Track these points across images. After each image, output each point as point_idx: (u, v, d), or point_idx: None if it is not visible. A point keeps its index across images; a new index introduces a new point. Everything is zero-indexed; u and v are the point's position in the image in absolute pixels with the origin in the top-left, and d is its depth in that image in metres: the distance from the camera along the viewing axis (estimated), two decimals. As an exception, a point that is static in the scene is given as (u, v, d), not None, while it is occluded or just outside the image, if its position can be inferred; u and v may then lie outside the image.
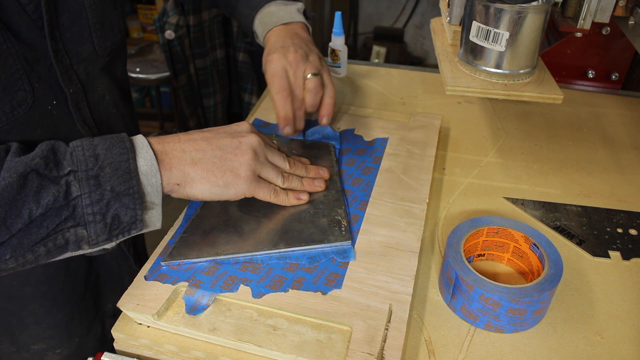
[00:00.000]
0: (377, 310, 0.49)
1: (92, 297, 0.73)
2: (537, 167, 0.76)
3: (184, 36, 1.94)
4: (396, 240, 0.57)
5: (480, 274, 0.51)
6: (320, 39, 2.80)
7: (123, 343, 0.51)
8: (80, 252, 0.48)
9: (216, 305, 0.51)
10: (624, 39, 0.91)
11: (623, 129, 0.85)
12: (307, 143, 0.72)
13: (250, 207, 0.60)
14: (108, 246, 0.49)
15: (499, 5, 0.59)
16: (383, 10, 2.80)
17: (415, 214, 0.61)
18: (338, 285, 0.52)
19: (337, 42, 0.93)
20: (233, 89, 2.24)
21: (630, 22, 0.65)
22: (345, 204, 0.62)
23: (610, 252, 0.61)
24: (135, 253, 0.79)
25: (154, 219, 0.50)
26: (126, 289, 0.51)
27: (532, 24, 0.59)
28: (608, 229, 0.64)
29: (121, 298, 0.50)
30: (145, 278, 0.53)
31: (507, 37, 0.60)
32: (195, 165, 0.52)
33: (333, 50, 0.94)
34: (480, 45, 0.63)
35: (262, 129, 0.76)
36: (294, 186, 0.60)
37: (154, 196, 0.49)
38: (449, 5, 0.72)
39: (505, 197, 0.70)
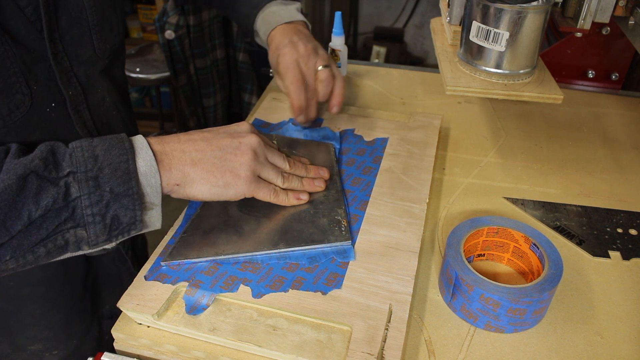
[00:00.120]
0: (377, 310, 0.49)
1: (90, 299, 0.73)
2: (537, 167, 0.76)
3: (184, 36, 1.94)
4: (396, 240, 0.57)
5: (480, 274, 0.51)
6: (320, 39, 2.80)
7: (123, 343, 0.51)
8: (80, 252, 0.48)
9: (216, 305, 0.51)
10: (624, 39, 0.91)
11: (623, 129, 0.85)
12: (307, 143, 0.72)
13: (250, 207, 0.60)
14: (108, 246, 0.49)
15: (499, 5, 0.59)
16: (383, 10, 2.80)
17: (415, 214, 0.61)
18: (338, 285, 0.52)
19: (337, 42, 0.93)
20: (233, 89, 2.24)
21: (630, 22, 0.65)
22: (345, 204, 0.62)
23: (610, 252, 0.61)
24: (134, 255, 0.79)
25: (153, 219, 0.50)
26: (124, 290, 0.51)
27: (532, 24, 0.59)
28: (608, 229, 0.64)
29: (121, 298, 0.50)
30: (145, 278, 0.53)
31: (507, 37, 0.60)
32: (195, 165, 0.52)
33: (333, 50, 0.94)
34: (480, 45, 0.63)
35: (262, 129, 0.76)
36: (294, 186, 0.60)
37: (153, 197, 0.49)
38: (449, 5, 0.72)
39: (505, 197, 0.70)
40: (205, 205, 0.62)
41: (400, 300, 0.51)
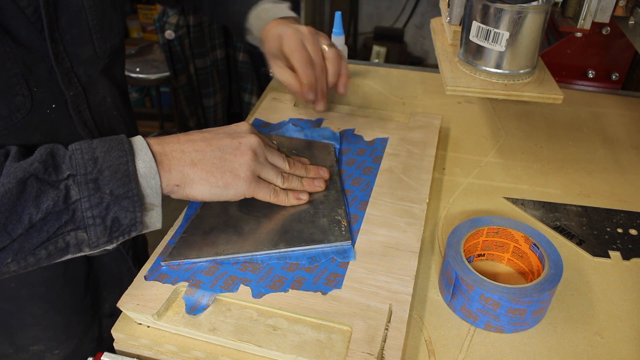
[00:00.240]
0: (377, 310, 0.49)
1: (91, 299, 0.73)
2: (537, 167, 0.76)
3: (184, 36, 1.94)
4: (396, 240, 0.57)
5: (480, 274, 0.51)
6: (320, 39, 2.80)
7: (123, 343, 0.51)
8: (81, 254, 0.48)
9: (216, 305, 0.51)
10: (624, 39, 0.91)
11: (623, 129, 0.85)
12: (307, 143, 0.72)
13: (250, 207, 0.60)
14: (109, 247, 0.49)
15: (499, 5, 0.59)
16: (383, 10, 2.80)
17: (415, 214, 0.61)
18: (338, 285, 0.52)
19: (337, 42, 0.93)
20: (233, 89, 2.24)
21: (630, 22, 0.65)
22: (345, 204, 0.62)
23: (610, 252, 0.61)
24: (134, 255, 0.79)
25: (154, 220, 0.50)
26: (125, 290, 0.51)
27: (532, 24, 0.59)
28: (608, 229, 0.64)
29: (121, 298, 0.50)
30: (145, 278, 0.53)
31: (507, 37, 0.60)
32: (195, 166, 0.52)
33: (333, 50, 0.94)
34: (480, 45, 0.63)
35: (262, 129, 0.76)
36: (294, 186, 0.60)
37: (153, 198, 0.49)
38: (449, 5, 0.72)
39: (505, 197, 0.70)
40: (205, 205, 0.62)
41: (400, 300, 0.51)
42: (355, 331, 0.47)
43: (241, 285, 0.52)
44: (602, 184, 0.73)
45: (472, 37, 0.63)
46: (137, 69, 2.07)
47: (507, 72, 0.63)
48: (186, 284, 0.52)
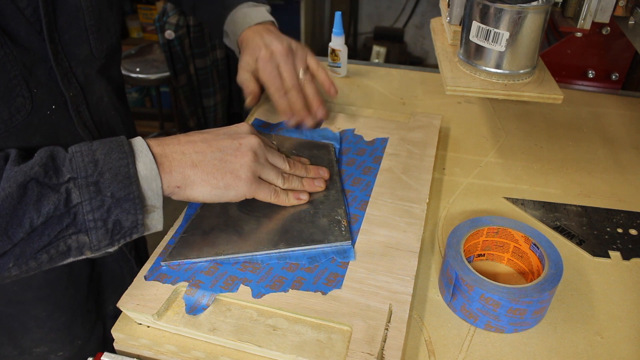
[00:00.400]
0: (377, 310, 0.49)
1: (94, 300, 0.73)
2: (537, 167, 0.76)
3: (184, 36, 1.94)
4: (396, 240, 0.57)
5: (480, 274, 0.51)
6: (320, 39, 2.80)
7: (123, 343, 0.51)
8: (83, 257, 0.48)
9: (216, 305, 0.51)
10: (624, 39, 0.91)
11: (623, 129, 0.85)
12: (307, 143, 0.72)
13: (250, 207, 0.60)
14: (111, 249, 0.49)
15: (499, 5, 0.59)
16: (383, 10, 2.80)
17: (415, 214, 0.61)
18: (338, 285, 0.52)
19: (337, 42, 0.93)
20: (233, 89, 2.24)
21: (630, 22, 0.65)
22: (345, 204, 0.62)
23: (610, 252, 0.61)
24: (137, 255, 0.79)
25: (155, 222, 0.50)
26: None
27: (532, 24, 0.59)
28: (608, 229, 0.64)
29: (121, 298, 0.50)
30: (145, 278, 0.53)
31: (507, 37, 0.60)
32: (196, 167, 0.52)
33: (333, 50, 0.94)
34: (480, 45, 0.63)
35: (262, 129, 0.76)
36: (294, 186, 0.60)
37: (154, 200, 0.49)
38: (449, 5, 0.72)
39: (505, 197, 0.70)
40: (205, 205, 0.62)
41: (400, 300, 0.51)
42: (355, 331, 0.47)
43: (241, 285, 0.52)
44: (602, 184, 0.73)
45: (472, 37, 0.63)
46: (137, 69, 2.07)
47: (507, 72, 0.63)
48: (186, 284, 0.52)
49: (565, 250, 0.62)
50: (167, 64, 2.00)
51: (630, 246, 0.62)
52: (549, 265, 0.52)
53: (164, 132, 2.37)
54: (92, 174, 0.46)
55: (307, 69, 0.72)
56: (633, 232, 0.64)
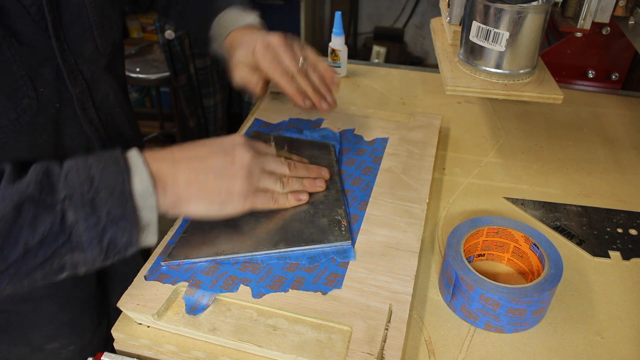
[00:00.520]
0: (377, 310, 0.49)
1: (101, 294, 0.74)
2: (537, 167, 0.76)
3: (183, 36, 1.94)
4: (396, 240, 0.57)
5: (480, 274, 0.51)
6: (320, 39, 2.80)
7: (123, 343, 0.51)
8: (77, 273, 0.47)
9: (216, 305, 0.51)
10: (624, 39, 0.91)
11: (623, 129, 0.85)
12: (307, 143, 0.72)
13: (250, 207, 0.60)
14: (106, 263, 0.49)
15: (499, 5, 0.59)
16: (383, 10, 2.80)
17: (415, 214, 0.61)
18: (338, 285, 0.52)
19: (337, 42, 0.93)
20: (233, 89, 2.24)
21: (630, 22, 0.65)
22: (345, 204, 0.62)
23: (610, 252, 0.61)
24: (142, 252, 0.79)
25: (149, 238, 0.49)
26: None
27: (532, 24, 0.59)
28: (608, 229, 0.64)
29: (121, 298, 0.50)
30: (145, 278, 0.53)
31: (507, 37, 0.60)
32: (190, 185, 0.51)
33: (333, 50, 0.94)
34: (480, 45, 0.63)
35: (262, 129, 0.76)
36: (295, 188, 0.61)
37: (149, 216, 0.48)
38: (449, 5, 0.72)
39: (505, 197, 0.70)
40: (205, 205, 0.62)
41: (400, 300, 0.51)
42: (355, 331, 0.47)
43: (241, 285, 0.52)
44: (602, 184, 0.73)
45: (472, 37, 0.63)
46: (137, 69, 2.07)
47: (507, 72, 0.63)
48: (186, 284, 0.52)
49: (565, 250, 0.62)
50: (167, 64, 2.00)
51: (630, 246, 0.62)
52: (549, 265, 0.52)
53: (164, 132, 2.37)
54: (87, 191, 0.45)
55: (306, 58, 0.69)
56: (633, 232, 0.64)
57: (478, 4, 0.61)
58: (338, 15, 0.92)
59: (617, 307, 0.55)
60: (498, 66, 0.63)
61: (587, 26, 0.65)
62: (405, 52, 2.82)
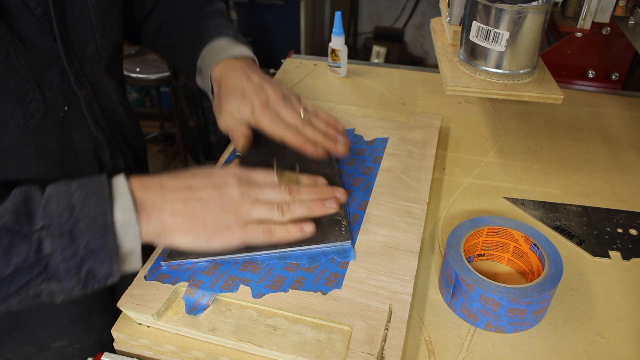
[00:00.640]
0: (377, 310, 0.49)
1: (108, 292, 0.74)
2: (537, 167, 0.76)
3: (184, 36, 1.94)
4: (396, 240, 0.57)
5: (480, 274, 0.51)
6: (321, 39, 2.80)
7: (123, 343, 0.51)
8: (54, 302, 0.46)
9: (216, 305, 0.51)
10: (624, 39, 0.91)
11: (623, 129, 0.85)
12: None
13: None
14: (85, 293, 0.47)
15: (499, 5, 0.59)
16: (383, 10, 2.81)
17: (415, 214, 0.61)
18: (338, 285, 0.52)
19: (337, 42, 0.93)
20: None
21: (630, 22, 0.65)
22: (346, 203, 0.62)
23: (610, 252, 0.61)
24: (149, 250, 0.79)
25: (132, 265, 0.49)
26: None
27: (532, 24, 0.59)
28: (608, 229, 0.64)
29: (121, 298, 0.50)
30: (145, 278, 0.53)
31: (507, 37, 0.60)
32: (175, 216, 0.50)
33: (333, 50, 0.94)
34: (480, 45, 0.63)
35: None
36: (298, 214, 0.55)
37: (131, 246, 0.47)
38: (449, 5, 0.72)
39: (505, 197, 0.70)
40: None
41: (400, 300, 0.51)
42: (355, 331, 0.47)
43: (241, 285, 0.52)
44: (602, 184, 0.73)
45: (472, 37, 0.63)
46: (137, 69, 2.07)
47: (507, 72, 0.63)
48: (186, 284, 0.52)
49: (565, 250, 0.62)
50: (167, 64, 2.00)
51: (630, 246, 0.62)
52: (549, 265, 0.52)
53: (164, 132, 2.37)
54: (67, 221, 0.44)
55: (306, 109, 0.66)
56: (633, 232, 0.64)
57: (478, 4, 0.61)
58: (338, 15, 0.92)
59: (617, 307, 0.55)
60: (498, 66, 0.63)
61: (587, 26, 0.65)
62: (405, 52, 2.82)
